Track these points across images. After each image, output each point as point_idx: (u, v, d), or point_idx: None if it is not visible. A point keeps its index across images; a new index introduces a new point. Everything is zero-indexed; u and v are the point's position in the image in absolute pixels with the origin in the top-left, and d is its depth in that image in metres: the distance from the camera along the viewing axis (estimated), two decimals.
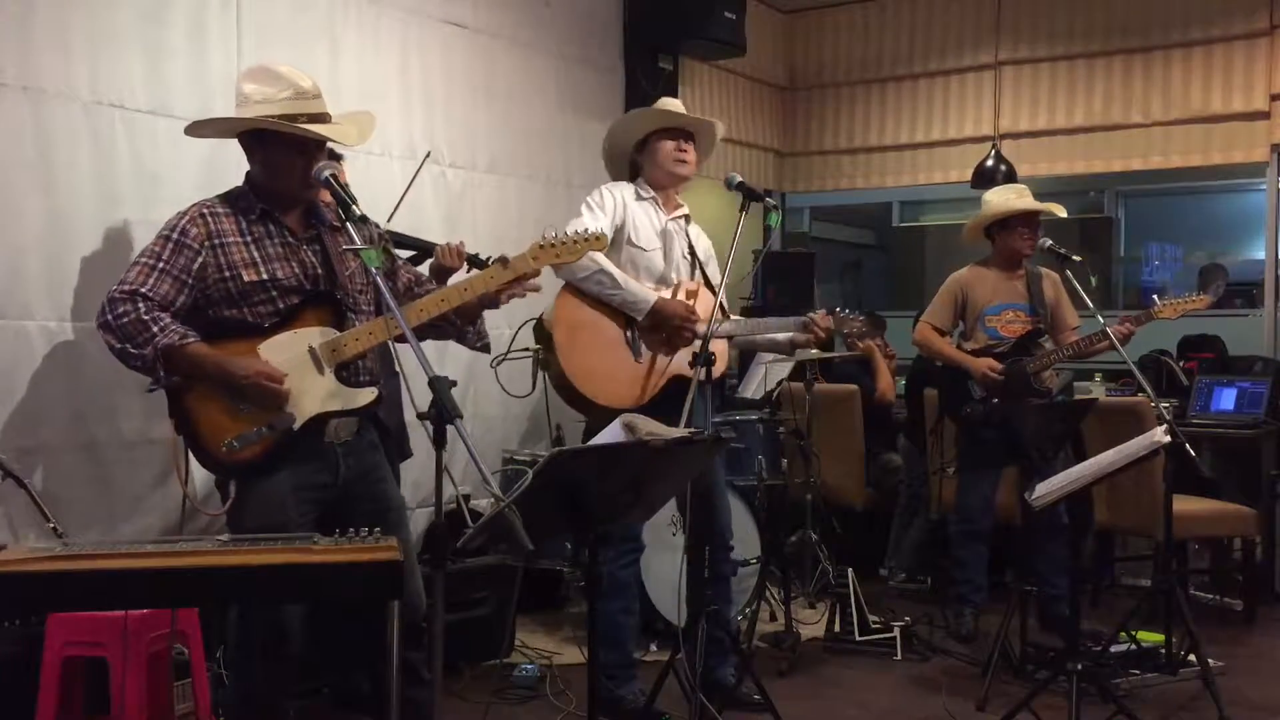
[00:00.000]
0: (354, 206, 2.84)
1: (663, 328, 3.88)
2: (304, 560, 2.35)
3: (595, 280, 3.81)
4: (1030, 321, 4.94)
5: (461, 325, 3.23)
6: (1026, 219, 4.92)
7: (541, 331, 3.93)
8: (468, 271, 3.89)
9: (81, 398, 3.81)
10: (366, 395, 3.03)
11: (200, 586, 2.36)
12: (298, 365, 2.93)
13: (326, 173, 2.87)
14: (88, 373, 3.80)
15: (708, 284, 4.06)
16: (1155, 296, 4.85)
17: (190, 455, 2.98)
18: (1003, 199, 5.02)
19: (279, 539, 2.50)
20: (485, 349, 3.37)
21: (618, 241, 3.90)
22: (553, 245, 3.16)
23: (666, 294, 3.94)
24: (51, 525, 3.42)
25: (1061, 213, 5.01)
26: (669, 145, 3.97)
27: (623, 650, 3.94)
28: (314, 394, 2.94)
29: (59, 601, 2.48)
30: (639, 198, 3.98)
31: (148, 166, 4.03)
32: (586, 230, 3.25)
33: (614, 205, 3.90)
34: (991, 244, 5.06)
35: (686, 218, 4.12)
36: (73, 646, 3.14)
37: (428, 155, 4.45)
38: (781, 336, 4.15)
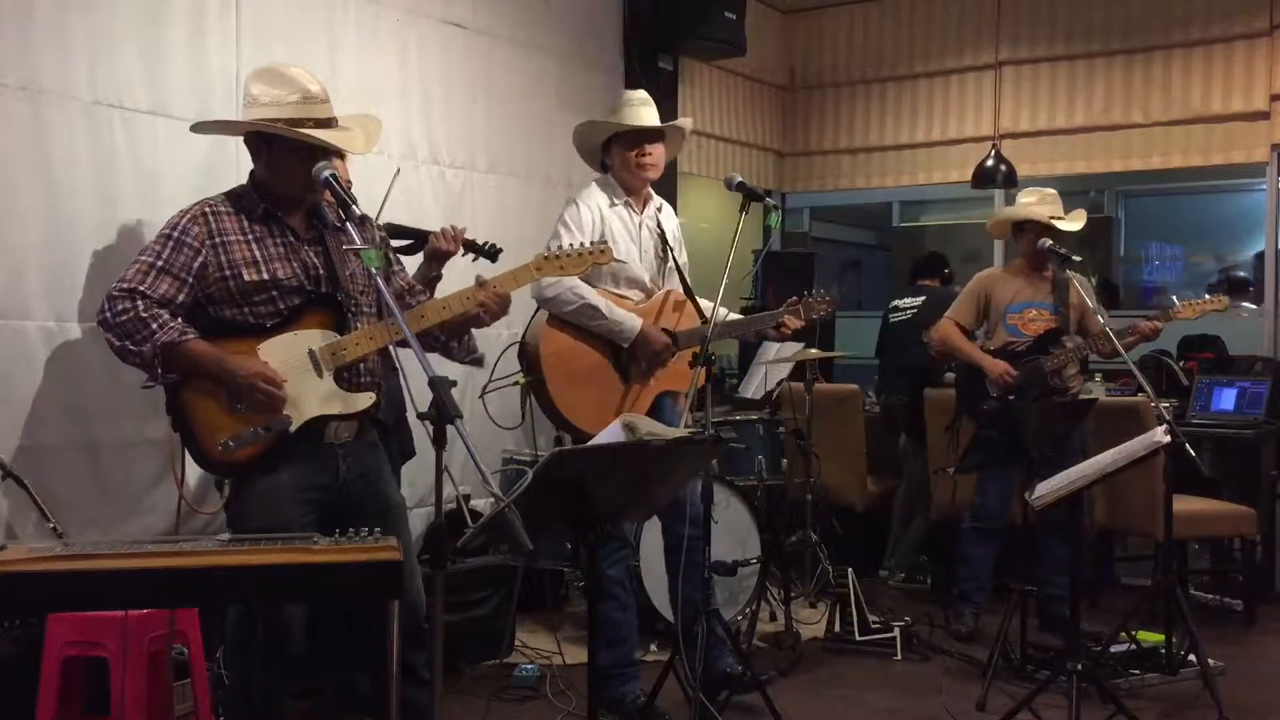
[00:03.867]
0: (354, 206, 2.84)
1: (647, 352, 3.88)
2: (304, 560, 2.35)
3: (579, 312, 3.82)
4: (1053, 320, 4.93)
5: (445, 340, 3.21)
6: (1039, 227, 4.92)
7: (526, 358, 3.93)
8: (462, 255, 3.88)
9: (81, 398, 3.80)
10: (365, 399, 3.03)
11: (200, 586, 2.36)
12: (297, 367, 2.92)
13: (326, 172, 2.87)
14: (88, 373, 3.79)
15: (680, 278, 4.02)
16: (1175, 298, 4.87)
17: (186, 454, 2.98)
18: (1025, 201, 5.03)
19: (279, 539, 2.49)
20: (477, 363, 3.34)
21: None
22: (557, 257, 3.15)
23: (649, 303, 3.96)
24: (51, 525, 3.42)
25: (1074, 226, 4.99)
26: (629, 155, 3.94)
27: (622, 649, 3.94)
28: (312, 396, 2.94)
29: (59, 601, 2.48)
30: (612, 203, 3.97)
31: (148, 166, 4.03)
32: (591, 242, 3.24)
33: (592, 221, 3.88)
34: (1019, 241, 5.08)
35: (659, 208, 4.09)
36: (73, 646, 3.14)
37: (397, 173, 4.36)
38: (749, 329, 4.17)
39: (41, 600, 2.41)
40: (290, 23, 4.54)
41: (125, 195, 3.95)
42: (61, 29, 3.79)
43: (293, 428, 2.91)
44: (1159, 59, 6.61)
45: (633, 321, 3.86)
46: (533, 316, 3.95)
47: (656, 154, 3.97)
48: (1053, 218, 4.92)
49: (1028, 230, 4.96)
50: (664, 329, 3.93)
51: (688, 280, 4.04)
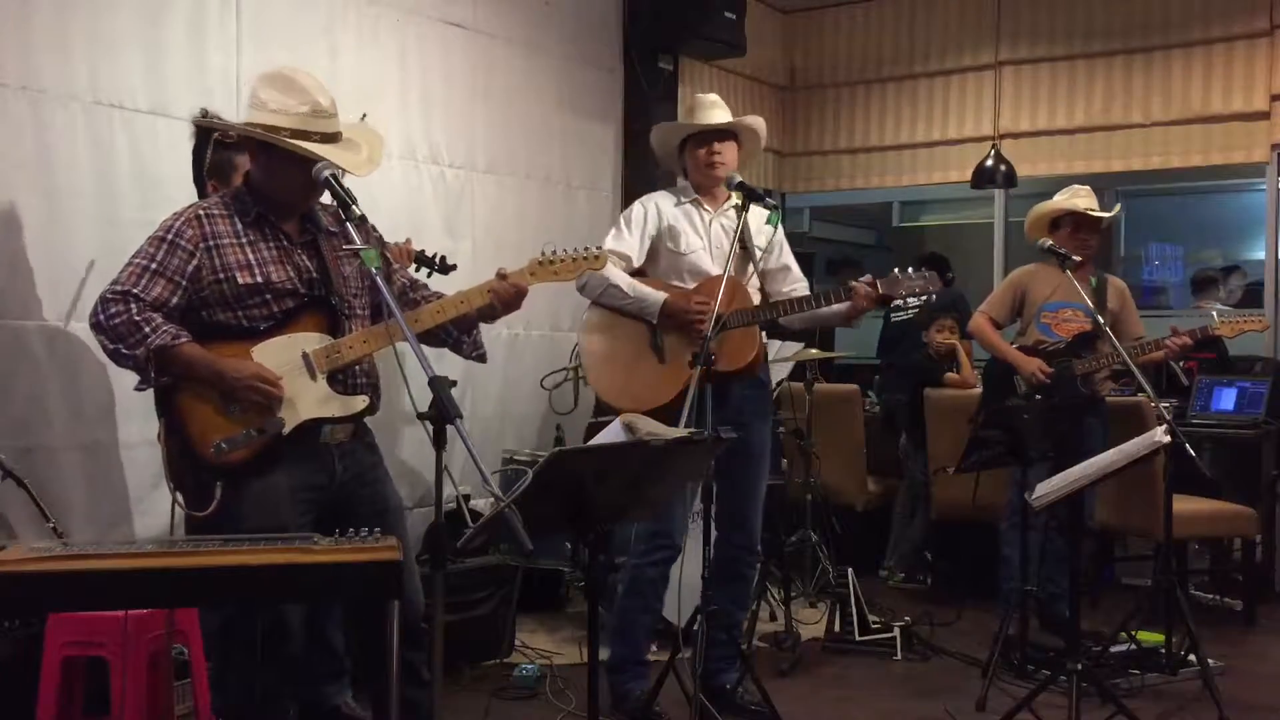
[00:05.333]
0: (354, 206, 2.83)
1: (677, 324, 3.86)
2: (304, 560, 2.35)
3: (608, 294, 3.84)
4: (1088, 323, 4.82)
5: (458, 335, 3.21)
6: (1076, 219, 4.88)
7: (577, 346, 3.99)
8: (416, 270, 3.88)
9: (81, 398, 3.81)
10: (359, 403, 3.03)
11: (200, 586, 2.36)
12: (290, 370, 2.92)
13: (327, 173, 2.85)
14: (88, 373, 3.80)
15: (761, 280, 3.99)
16: (1214, 314, 4.84)
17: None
18: (1058, 198, 4.98)
19: (279, 539, 2.49)
20: (481, 359, 3.34)
21: (657, 251, 3.94)
22: (550, 263, 3.16)
23: (698, 284, 3.91)
24: (51, 525, 3.42)
25: (1109, 215, 4.97)
26: (701, 153, 3.97)
27: (635, 648, 3.93)
28: (306, 399, 2.93)
29: (59, 601, 2.48)
30: (679, 203, 3.99)
31: (148, 167, 4.03)
32: (586, 248, 3.25)
33: (643, 220, 3.94)
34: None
35: (738, 209, 3.90)
36: (73, 646, 3.13)
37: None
38: (832, 310, 3.91)
39: (41, 600, 2.41)
40: (290, 23, 4.55)
41: (125, 195, 3.96)
42: (61, 29, 3.80)
43: (286, 430, 2.91)
44: (1159, 59, 6.60)
45: (655, 296, 3.85)
46: None
47: (727, 152, 3.97)
48: (1088, 209, 4.87)
49: (1064, 224, 4.89)
50: (701, 301, 3.81)
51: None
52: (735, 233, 3.79)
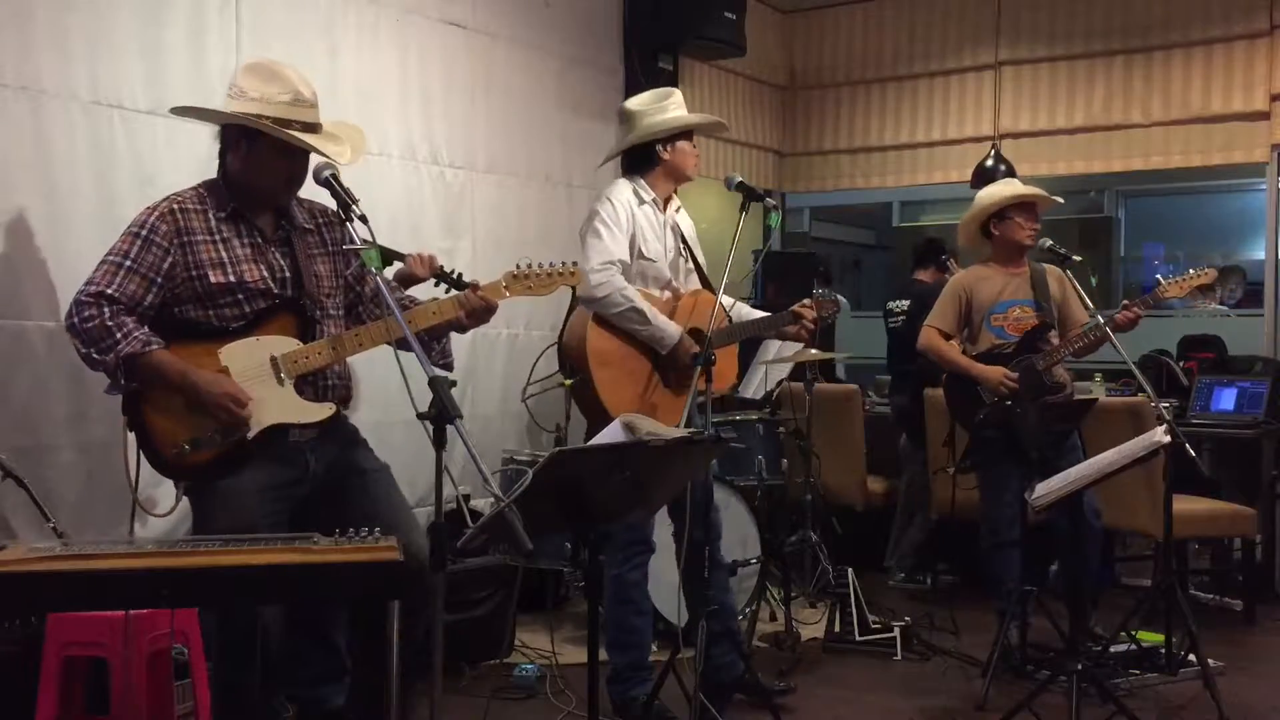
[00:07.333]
0: (355, 206, 2.83)
1: (679, 362, 3.84)
2: (304, 560, 2.35)
3: (626, 317, 3.76)
4: (1037, 317, 4.75)
5: (428, 341, 3.19)
6: (1022, 207, 4.77)
7: (569, 358, 3.90)
8: (435, 285, 3.89)
9: (81, 398, 3.80)
10: (325, 410, 3.03)
11: (200, 586, 2.36)
12: (257, 374, 2.92)
13: (327, 173, 2.86)
14: (87, 373, 3.77)
15: (701, 276, 4.03)
16: (1159, 277, 4.77)
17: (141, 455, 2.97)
18: (995, 190, 4.89)
19: (279, 539, 2.49)
20: (448, 367, 3.34)
21: (630, 255, 3.88)
22: (525, 276, 3.17)
23: (682, 304, 3.93)
24: (51, 525, 3.42)
25: (1055, 200, 4.89)
26: (690, 147, 3.94)
27: (638, 652, 3.90)
28: (271, 405, 2.93)
29: (59, 601, 2.48)
30: (640, 202, 3.92)
31: (147, 166, 4.03)
32: (563, 262, 3.25)
33: (627, 219, 3.84)
34: (989, 242, 4.88)
35: (678, 208, 4.05)
36: (73, 646, 3.13)
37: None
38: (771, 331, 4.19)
39: (41, 600, 2.41)
40: (290, 23, 4.54)
41: (125, 195, 3.95)
42: (61, 29, 3.79)
43: (250, 435, 2.91)
44: (1159, 59, 6.61)
45: (673, 330, 3.81)
46: (567, 318, 3.92)
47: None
48: (1025, 191, 4.78)
49: (1010, 214, 4.74)
50: (695, 328, 3.87)
51: (707, 277, 4.01)
52: (677, 231, 3.86)
